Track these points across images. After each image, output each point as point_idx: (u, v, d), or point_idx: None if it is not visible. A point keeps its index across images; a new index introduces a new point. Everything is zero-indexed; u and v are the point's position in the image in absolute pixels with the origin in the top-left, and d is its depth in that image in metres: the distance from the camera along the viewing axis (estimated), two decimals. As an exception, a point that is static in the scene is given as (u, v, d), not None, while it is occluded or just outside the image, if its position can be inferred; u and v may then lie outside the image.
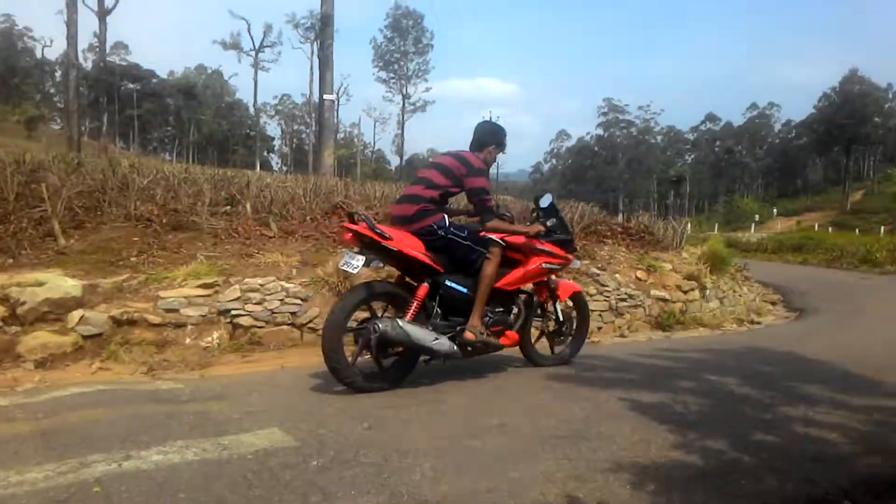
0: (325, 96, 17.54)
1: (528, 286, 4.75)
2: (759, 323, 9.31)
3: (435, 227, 4.12)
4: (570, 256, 4.90)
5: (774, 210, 60.86)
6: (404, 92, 61.11)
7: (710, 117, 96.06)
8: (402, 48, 60.70)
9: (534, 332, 5.02)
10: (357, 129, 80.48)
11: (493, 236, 4.29)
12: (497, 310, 4.45)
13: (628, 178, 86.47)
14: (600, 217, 10.87)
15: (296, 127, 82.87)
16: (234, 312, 5.40)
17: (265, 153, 78.19)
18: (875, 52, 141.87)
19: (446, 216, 4.23)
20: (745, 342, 6.75)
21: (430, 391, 4.00)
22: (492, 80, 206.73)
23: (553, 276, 4.91)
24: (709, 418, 3.58)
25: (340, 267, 4.09)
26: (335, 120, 45.70)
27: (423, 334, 3.96)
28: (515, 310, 4.62)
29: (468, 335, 4.16)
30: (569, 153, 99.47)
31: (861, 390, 4.40)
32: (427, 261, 4.05)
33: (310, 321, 5.56)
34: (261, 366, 4.85)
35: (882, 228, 36.02)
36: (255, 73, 57.40)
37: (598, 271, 7.93)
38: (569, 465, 2.72)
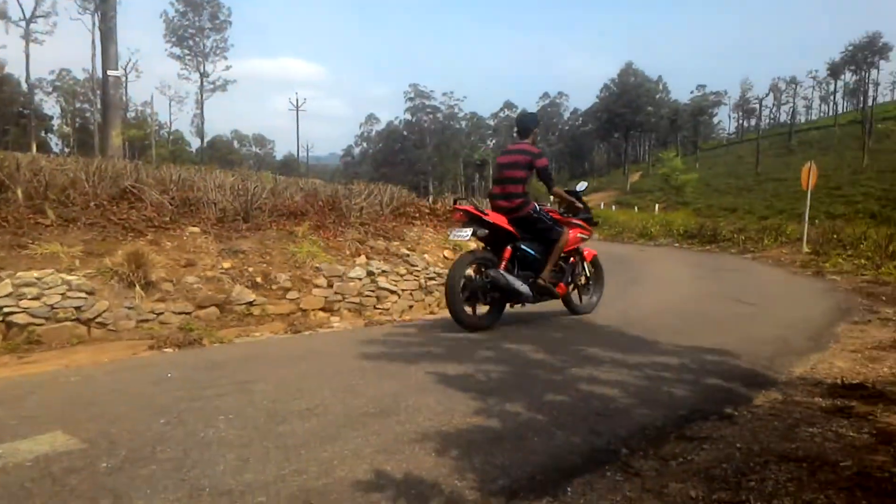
0: (109, 72, 15.98)
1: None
2: (553, 295, 10.04)
3: (532, 213, 5.75)
4: (591, 229, 6.60)
5: (567, 191, 65.71)
6: (202, 70, 57.68)
7: (508, 105, 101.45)
8: (198, 24, 57.13)
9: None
10: (150, 107, 74.46)
11: (555, 217, 6.07)
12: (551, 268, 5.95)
13: (437, 161, 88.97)
14: (409, 199, 11.10)
15: (78, 105, 74.68)
16: (6, 310, 4.85)
17: (42, 133, 69.86)
18: (647, 47, 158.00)
19: (536, 204, 5.81)
20: (542, 311, 7.25)
21: (235, 381, 3.84)
22: (296, 60, 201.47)
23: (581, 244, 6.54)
24: (507, 384, 3.82)
25: (451, 238, 5.75)
26: (123, 97, 42.02)
27: (515, 281, 5.51)
28: (562, 267, 6.20)
29: (541, 282, 5.77)
30: (379, 137, 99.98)
31: (637, 350, 4.93)
32: (512, 229, 5.65)
33: (98, 315, 5.12)
34: (41, 366, 4.38)
35: (657, 206, 40.37)
36: (27, 45, 50.66)
37: (408, 252, 8.11)
38: (377, 441, 2.77)
